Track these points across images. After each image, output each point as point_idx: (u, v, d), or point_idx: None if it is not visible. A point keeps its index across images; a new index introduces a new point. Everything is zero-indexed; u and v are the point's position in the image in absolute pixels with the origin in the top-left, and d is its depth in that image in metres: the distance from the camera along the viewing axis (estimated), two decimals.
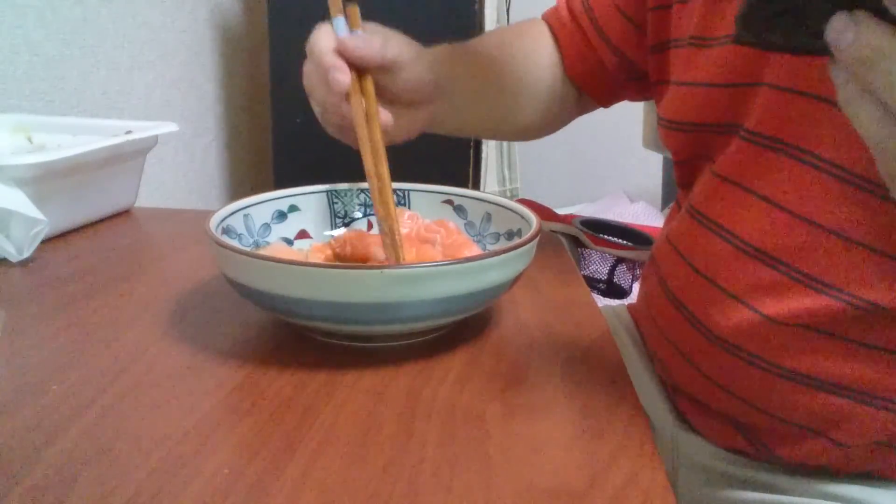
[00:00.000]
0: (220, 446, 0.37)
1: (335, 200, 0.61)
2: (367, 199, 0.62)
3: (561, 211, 1.04)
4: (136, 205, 0.81)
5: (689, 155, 0.57)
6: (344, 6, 0.55)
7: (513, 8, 2.01)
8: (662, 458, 0.38)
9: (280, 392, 0.42)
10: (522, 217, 0.54)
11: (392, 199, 0.53)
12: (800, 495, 0.50)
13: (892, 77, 0.27)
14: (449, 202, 0.61)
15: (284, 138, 1.48)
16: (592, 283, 1.04)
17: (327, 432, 0.38)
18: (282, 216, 0.58)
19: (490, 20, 1.70)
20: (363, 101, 0.53)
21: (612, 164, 2.72)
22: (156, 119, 0.98)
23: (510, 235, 0.56)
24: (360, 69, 0.53)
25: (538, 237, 0.49)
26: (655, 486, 0.35)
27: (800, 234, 0.44)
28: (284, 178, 1.50)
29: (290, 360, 0.46)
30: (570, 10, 0.70)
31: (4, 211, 0.60)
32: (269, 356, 0.47)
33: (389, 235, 0.52)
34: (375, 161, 0.53)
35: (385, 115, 0.54)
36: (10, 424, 0.38)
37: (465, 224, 0.60)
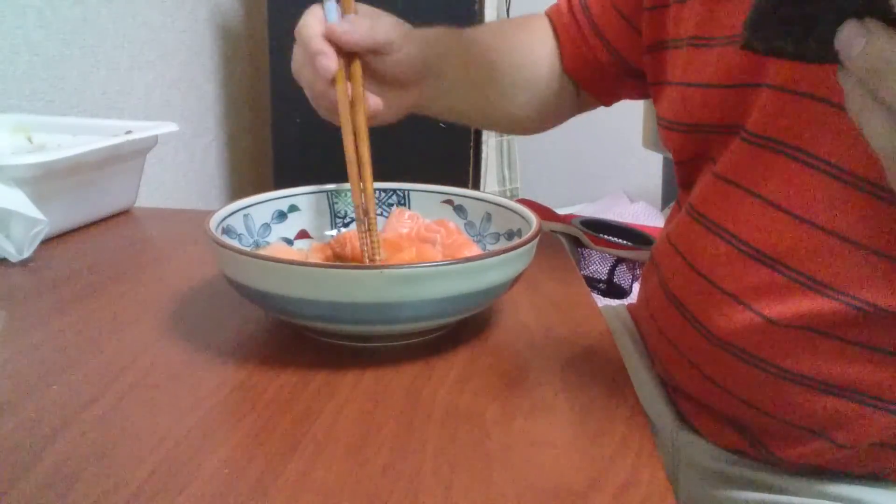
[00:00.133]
0: (220, 446, 0.37)
1: (335, 200, 0.61)
2: None
3: (561, 211, 1.04)
4: (136, 205, 0.81)
5: (689, 155, 0.57)
6: None
7: (513, 8, 2.01)
8: (662, 458, 0.38)
9: (280, 392, 0.42)
10: (522, 217, 0.54)
11: (371, 184, 0.53)
12: (800, 495, 0.50)
13: None
14: (449, 202, 0.61)
15: (284, 138, 1.48)
16: (592, 283, 1.04)
17: (327, 432, 0.38)
18: (282, 216, 0.58)
19: (490, 20, 1.70)
20: (349, 86, 0.54)
21: (612, 164, 2.72)
22: (156, 119, 0.98)
23: (510, 235, 0.56)
24: (348, 52, 0.54)
25: (538, 237, 0.49)
26: (655, 486, 0.35)
27: (800, 235, 0.44)
28: (284, 178, 1.50)
29: (290, 360, 0.46)
30: (570, 6, 0.70)
31: (4, 211, 0.60)
32: (269, 356, 0.47)
33: (366, 223, 0.52)
34: (358, 145, 0.54)
35: (373, 101, 0.55)
36: (10, 424, 0.38)
37: (465, 224, 0.60)
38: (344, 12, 0.54)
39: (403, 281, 0.42)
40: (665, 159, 2.19)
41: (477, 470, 0.35)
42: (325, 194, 0.61)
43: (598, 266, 1.04)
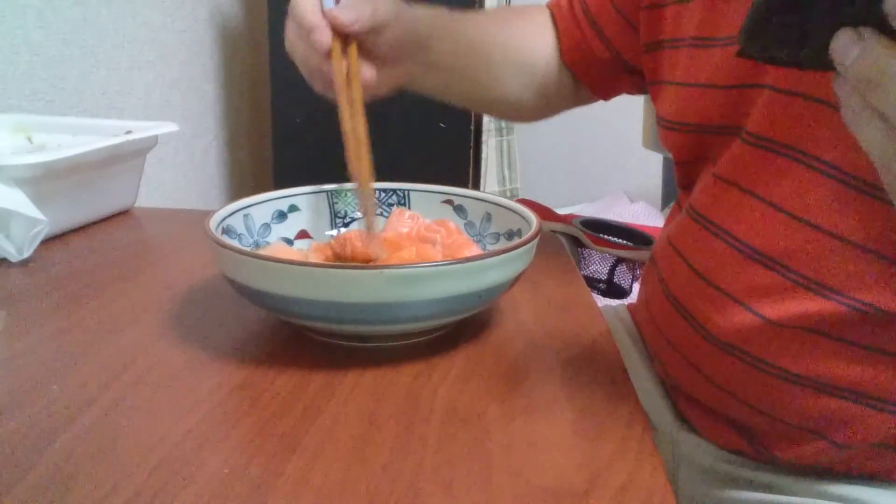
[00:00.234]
0: (220, 446, 0.37)
1: (335, 200, 0.61)
2: None
3: (561, 211, 1.04)
4: (136, 205, 0.81)
5: (689, 156, 0.57)
6: None
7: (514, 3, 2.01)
8: (662, 458, 0.38)
9: (280, 392, 0.42)
10: (522, 217, 0.54)
11: (368, 159, 0.54)
12: (800, 495, 0.50)
13: None
14: (449, 202, 0.61)
15: (284, 138, 1.48)
16: (592, 283, 1.05)
17: (327, 432, 0.38)
18: (282, 216, 0.58)
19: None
20: (345, 62, 0.54)
21: (612, 164, 2.72)
22: (156, 119, 0.98)
23: (510, 235, 0.56)
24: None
25: (538, 237, 0.49)
26: (655, 486, 0.35)
27: (800, 236, 0.44)
28: (284, 178, 1.50)
29: (290, 360, 0.46)
30: (569, 0, 0.70)
31: (4, 211, 0.60)
32: (269, 356, 0.47)
33: (365, 196, 0.53)
34: (353, 121, 0.54)
35: (368, 73, 0.56)
36: (10, 424, 0.38)
37: (465, 224, 0.60)
38: None
39: (403, 281, 0.42)
40: (665, 159, 2.19)
41: (477, 470, 0.35)
42: (325, 194, 0.61)
43: (598, 266, 1.05)
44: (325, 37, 0.53)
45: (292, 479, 0.34)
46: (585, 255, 1.04)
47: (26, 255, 0.61)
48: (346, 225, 0.61)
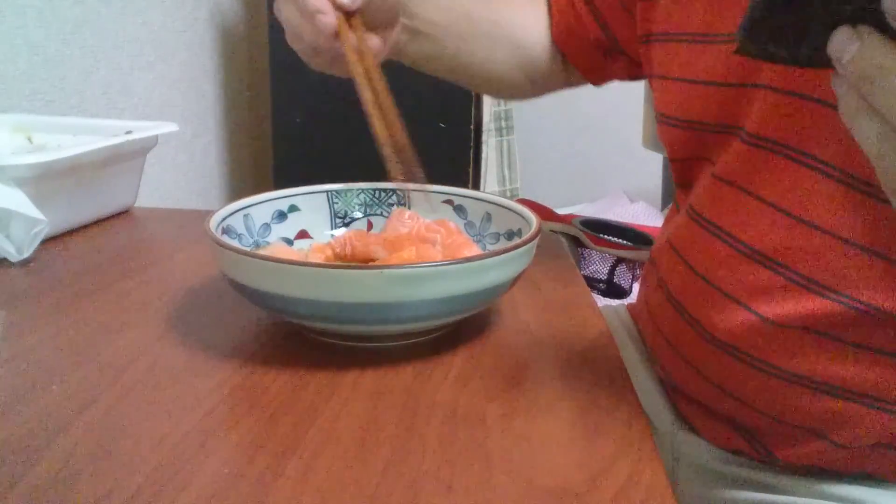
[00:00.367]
0: (220, 446, 0.37)
1: (335, 200, 0.61)
2: (367, 199, 0.62)
3: (561, 211, 1.04)
4: (136, 205, 0.81)
5: (684, 154, 0.56)
6: None
7: None
8: (662, 458, 0.38)
9: (280, 392, 0.42)
10: (522, 217, 0.54)
11: (399, 124, 0.54)
12: (800, 495, 0.50)
13: (894, 94, 0.27)
14: (449, 202, 0.61)
15: (284, 138, 1.48)
16: (592, 283, 1.05)
17: (327, 432, 0.38)
18: (282, 216, 0.58)
19: None
20: (352, 36, 0.56)
21: (612, 164, 2.72)
22: (156, 119, 0.98)
23: (510, 235, 0.56)
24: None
25: (538, 237, 0.49)
26: (655, 486, 0.35)
27: (800, 236, 0.44)
28: (284, 178, 1.50)
29: (290, 360, 0.46)
30: None
31: (4, 211, 0.60)
32: (269, 356, 0.47)
33: (405, 164, 0.54)
34: (375, 92, 0.55)
35: (373, 42, 0.57)
36: (10, 424, 0.38)
37: (465, 224, 0.60)
38: None
39: (403, 281, 0.42)
40: (665, 159, 2.19)
41: (477, 470, 0.35)
42: (325, 194, 0.61)
43: (598, 266, 1.05)
44: (330, 18, 0.54)
45: (292, 479, 0.34)
46: (585, 255, 1.04)
47: (26, 255, 0.61)
48: (346, 225, 0.61)
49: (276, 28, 1.45)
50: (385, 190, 0.61)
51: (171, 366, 0.45)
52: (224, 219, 0.52)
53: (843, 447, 0.46)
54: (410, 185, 0.57)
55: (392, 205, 0.62)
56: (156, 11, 1.29)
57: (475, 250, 0.54)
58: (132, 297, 0.56)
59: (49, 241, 0.67)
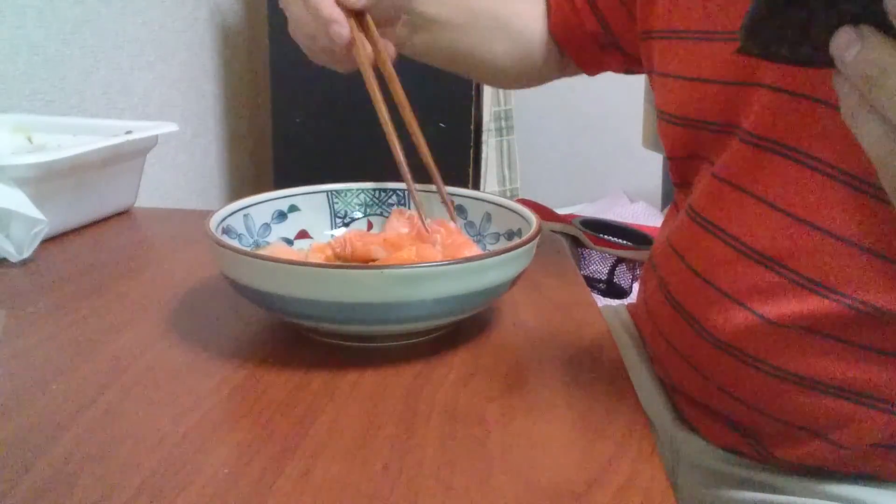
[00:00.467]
0: (220, 446, 0.37)
1: (335, 200, 0.61)
2: (367, 199, 0.62)
3: (561, 211, 1.04)
4: (136, 205, 0.81)
5: (682, 152, 0.56)
6: None
7: None
8: (662, 458, 0.38)
9: (280, 392, 0.42)
10: (522, 217, 0.54)
11: (416, 125, 0.56)
12: (799, 495, 0.50)
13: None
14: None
15: (284, 138, 1.48)
16: (592, 283, 1.04)
17: (327, 432, 0.38)
18: (282, 216, 0.58)
19: None
20: (366, 44, 0.56)
21: (612, 164, 2.72)
22: (156, 119, 0.98)
23: (510, 235, 0.56)
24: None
25: (538, 237, 0.49)
26: (655, 486, 0.35)
27: (799, 236, 0.44)
28: (284, 178, 1.50)
29: (290, 360, 0.46)
30: None
31: (4, 211, 0.60)
32: (269, 356, 0.47)
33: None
34: (394, 89, 0.57)
35: (389, 47, 0.58)
36: (10, 424, 0.38)
37: (465, 224, 0.60)
38: None
39: (403, 281, 0.42)
40: (665, 159, 2.19)
41: (477, 470, 0.35)
42: (325, 194, 0.61)
43: (598, 266, 1.04)
44: (344, 29, 0.54)
45: (292, 479, 0.34)
46: (585, 255, 1.04)
47: (26, 255, 0.61)
48: (346, 225, 0.61)
49: (276, 28, 1.45)
50: (385, 190, 0.61)
51: (171, 366, 0.45)
52: (224, 219, 0.52)
53: (843, 447, 0.46)
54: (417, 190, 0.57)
55: (392, 205, 0.62)
56: (156, 11, 1.29)
57: (475, 250, 0.54)
58: (132, 297, 0.56)
59: (49, 241, 0.67)
